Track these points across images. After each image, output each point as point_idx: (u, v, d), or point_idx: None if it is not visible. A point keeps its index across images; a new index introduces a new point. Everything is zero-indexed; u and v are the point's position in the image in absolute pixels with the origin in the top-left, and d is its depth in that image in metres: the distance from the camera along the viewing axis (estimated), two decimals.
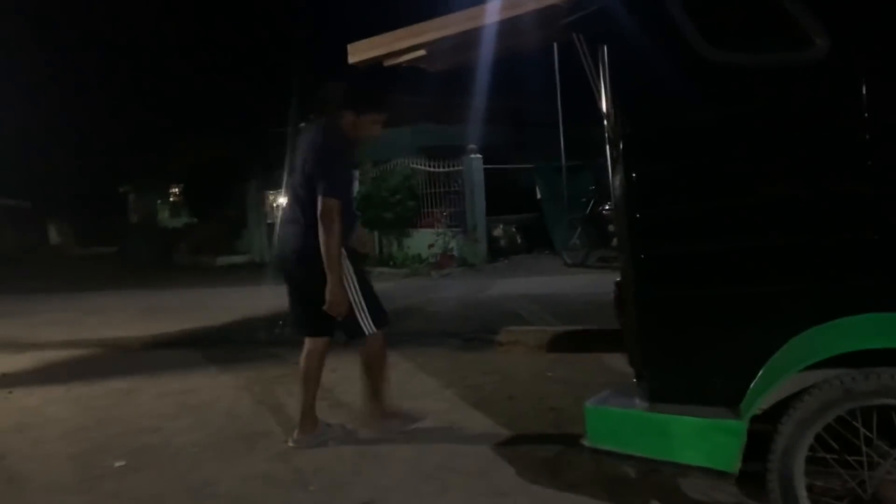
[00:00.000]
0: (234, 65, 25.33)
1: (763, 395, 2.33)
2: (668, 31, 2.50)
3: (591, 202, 12.06)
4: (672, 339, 2.65)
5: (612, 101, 2.75)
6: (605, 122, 2.82)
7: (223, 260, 18.33)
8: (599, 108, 2.87)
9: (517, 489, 3.17)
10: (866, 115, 2.22)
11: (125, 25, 27.06)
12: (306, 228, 3.71)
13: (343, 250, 3.74)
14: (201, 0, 27.56)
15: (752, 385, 2.38)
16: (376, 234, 13.88)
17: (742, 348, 2.45)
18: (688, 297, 2.59)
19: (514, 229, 14.59)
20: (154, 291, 12.79)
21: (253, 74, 24.27)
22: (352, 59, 3.67)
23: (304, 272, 3.77)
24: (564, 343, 5.80)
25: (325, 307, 3.68)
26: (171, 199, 29.33)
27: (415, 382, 5.08)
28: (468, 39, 3.33)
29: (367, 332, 3.82)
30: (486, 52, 3.48)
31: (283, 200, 18.40)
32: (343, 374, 5.08)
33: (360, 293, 3.79)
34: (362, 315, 3.79)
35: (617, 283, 2.99)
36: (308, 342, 3.94)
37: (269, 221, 18.74)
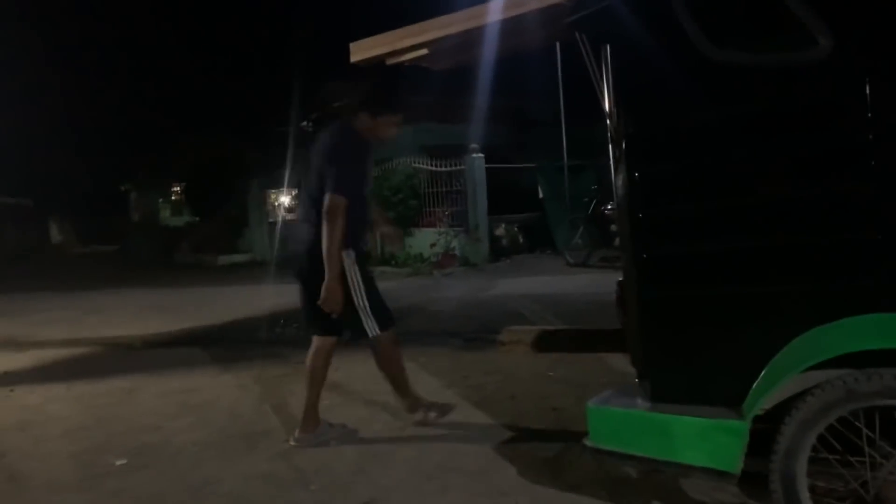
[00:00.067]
0: (236, 63, 25.34)
1: (765, 395, 2.33)
2: (671, 30, 2.49)
3: (594, 202, 12.05)
4: (674, 339, 2.64)
5: (615, 100, 2.75)
6: (608, 122, 2.82)
7: (224, 259, 18.31)
8: (602, 108, 2.86)
9: (518, 489, 3.17)
10: (869, 114, 2.21)
11: (127, 24, 27.08)
12: (318, 228, 3.73)
13: (353, 252, 3.78)
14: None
15: (754, 385, 2.38)
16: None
17: (744, 348, 2.45)
18: (690, 297, 2.58)
19: (516, 229, 14.58)
20: (155, 290, 12.79)
21: (255, 73, 24.28)
22: (354, 58, 3.67)
23: (314, 271, 3.77)
24: (566, 343, 5.79)
25: (318, 302, 3.71)
26: (173, 197, 29.34)
27: (417, 382, 5.04)
28: (471, 38, 3.33)
29: (370, 334, 3.83)
30: (489, 51, 3.48)
31: (283, 199, 18.44)
32: (346, 373, 5.08)
33: (365, 296, 3.81)
34: (367, 318, 3.82)
35: (619, 283, 2.98)
36: (316, 340, 3.95)
37: (270, 220, 18.74)
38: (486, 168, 13.72)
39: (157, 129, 25.62)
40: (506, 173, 14.73)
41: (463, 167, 13.58)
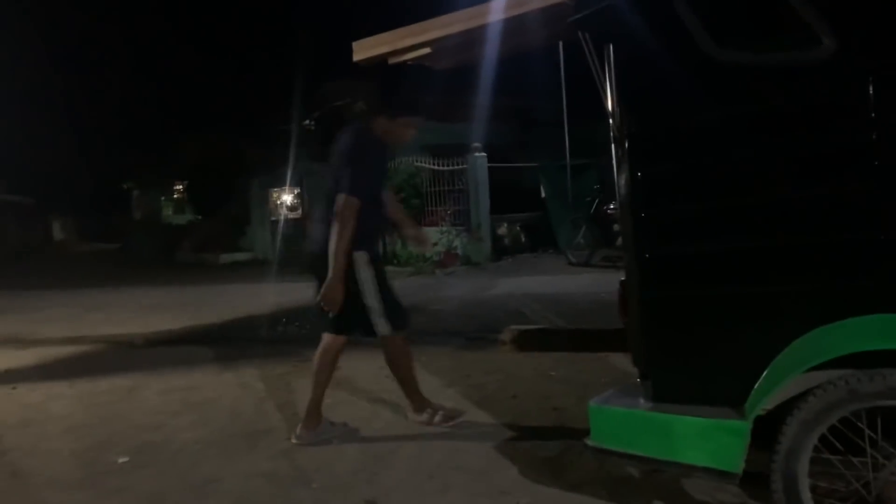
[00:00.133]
0: (238, 62, 25.34)
1: (767, 395, 2.32)
2: (674, 29, 2.49)
3: (596, 201, 12.05)
4: (676, 338, 2.64)
5: (618, 99, 2.74)
6: (611, 121, 2.81)
7: (227, 257, 18.35)
8: (605, 107, 2.86)
9: (520, 488, 3.17)
10: (873, 114, 2.21)
11: (130, 23, 27.09)
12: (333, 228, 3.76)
13: (366, 253, 3.82)
14: None
15: (756, 385, 2.37)
16: None
17: (746, 348, 2.44)
18: (692, 297, 2.58)
19: (518, 228, 14.58)
20: (157, 288, 12.81)
21: (257, 72, 24.29)
22: (356, 57, 3.67)
23: (327, 270, 3.79)
24: (568, 342, 5.79)
25: (317, 298, 3.75)
26: (175, 196, 29.37)
27: (418, 381, 5.06)
28: (473, 37, 3.32)
29: (380, 334, 3.87)
30: (491, 50, 3.47)
31: (285, 198, 18.44)
32: (348, 371, 5.08)
33: (376, 297, 3.84)
34: (378, 318, 3.85)
35: (622, 283, 2.98)
36: (325, 338, 3.97)
37: (272, 219, 18.75)
38: (489, 167, 13.73)
39: (160, 127, 25.65)
40: (508, 172, 14.73)
41: (465, 166, 13.59)
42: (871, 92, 2.20)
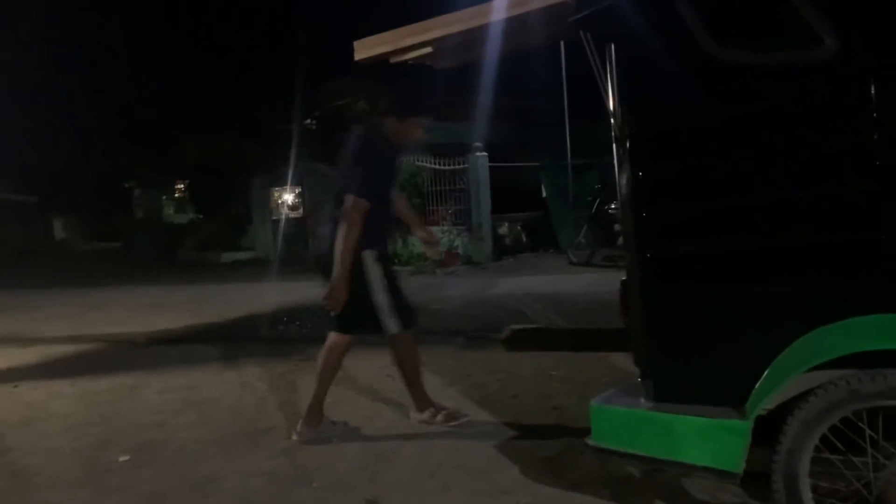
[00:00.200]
0: (239, 61, 25.35)
1: (768, 395, 2.32)
2: (675, 29, 2.49)
3: (597, 201, 12.06)
4: (677, 338, 2.64)
5: (619, 99, 2.74)
6: (612, 121, 2.81)
7: (228, 256, 18.36)
8: (606, 107, 2.86)
9: (520, 487, 3.17)
10: (875, 114, 2.21)
11: (132, 22, 27.10)
12: None
13: (374, 251, 3.85)
14: None
15: (757, 385, 2.37)
16: None
17: (748, 348, 2.44)
18: (694, 297, 2.58)
19: (519, 228, 14.58)
20: (158, 287, 12.82)
21: (258, 71, 24.30)
22: (358, 56, 3.67)
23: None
24: (569, 342, 5.78)
25: (322, 297, 3.78)
26: (176, 195, 29.40)
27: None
28: (475, 37, 3.32)
29: (389, 332, 3.90)
30: (493, 49, 3.47)
31: (287, 197, 18.44)
32: (349, 371, 5.08)
33: (385, 295, 3.86)
34: (386, 316, 3.87)
35: (623, 283, 2.98)
36: (331, 337, 3.98)
37: (273, 218, 18.77)
38: (490, 167, 13.73)
39: (161, 126, 25.66)
40: (509, 172, 14.74)
41: (466, 166, 13.59)
42: (872, 92, 2.20)
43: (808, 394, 2.25)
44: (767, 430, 2.34)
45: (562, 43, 9.60)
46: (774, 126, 2.43)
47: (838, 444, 2.23)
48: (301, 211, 18.10)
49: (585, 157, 13.85)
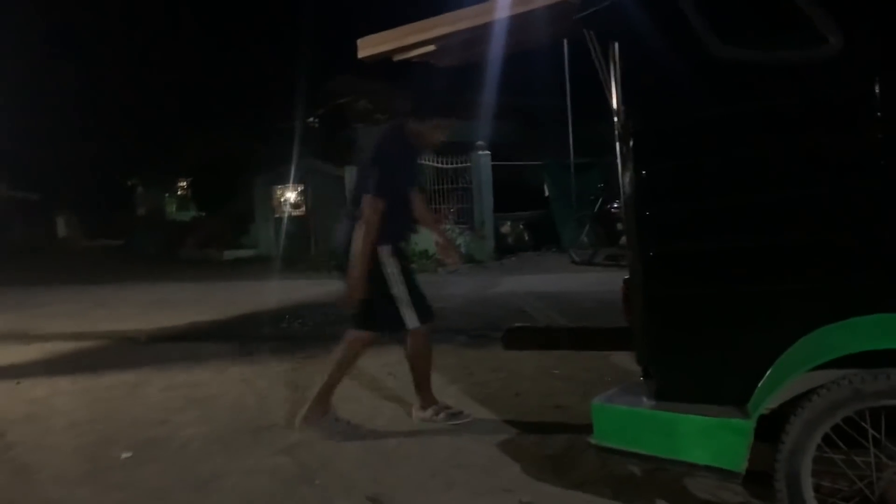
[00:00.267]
0: (242, 59, 25.34)
1: (771, 394, 2.32)
2: (679, 27, 2.49)
3: (600, 200, 12.07)
4: (680, 337, 2.63)
5: (623, 97, 2.74)
6: (616, 119, 2.81)
7: (230, 254, 18.37)
8: (609, 105, 2.85)
9: (522, 486, 3.17)
10: (879, 113, 2.20)
11: (134, 20, 27.10)
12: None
13: (389, 246, 3.88)
14: None
15: (760, 384, 2.37)
16: None
17: (750, 347, 2.44)
18: (697, 295, 2.58)
19: (521, 226, 14.60)
20: (161, 284, 12.83)
21: (261, 69, 24.28)
22: (361, 54, 3.67)
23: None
24: (571, 341, 5.78)
25: (340, 296, 3.86)
26: (179, 192, 29.43)
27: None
28: (478, 35, 3.32)
29: (408, 326, 3.93)
30: (496, 47, 3.47)
31: (289, 195, 18.45)
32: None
33: (403, 287, 3.90)
34: (406, 309, 3.91)
35: (625, 281, 2.98)
36: (350, 333, 4.02)
37: (276, 216, 18.79)
38: (492, 165, 13.73)
39: (164, 124, 25.65)
40: (512, 171, 14.75)
41: (469, 164, 13.59)
42: (876, 90, 2.20)
43: (811, 393, 2.24)
44: (770, 429, 2.34)
45: (565, 41, 9.61)
46: (778, 125, 2.43)
47: (841, 444, 2.22)
48: (303, 209, 18.11)
49: (588, 156, 13.84)
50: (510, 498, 3.06)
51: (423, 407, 4.12)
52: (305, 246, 16.55)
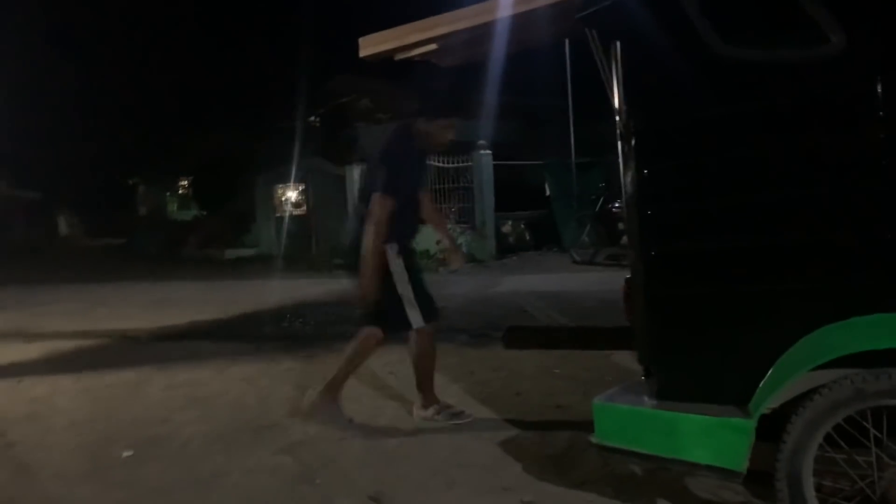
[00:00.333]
0: (244, 58, 25.35)
1: (772, 393, 2.32)
2: (681, 26, 2.48)
3: (601, 200, 12.06)
4: (681, 336, 2.63)
5: (625, 97, 2.74)
6: (617, 119, 2.81)
7: (232, 253, 18.38)
8: (611, 104, 2.85)
9: (523, 485, 3.17)
10: (881, 112, 2.20)
11: (136, 19, 27.12)
12: (363, 224, 3.87)
13: (395, 245, 3.90)
14: None
15: (761, 384, 2.37)
16: None
17: (752, 346, 2.44)
18: (698, 295, 2.58)
19: (522, 226, 14.60)
20: (162, 283, 12.84)
21: (262, 68, 24.29)
22: (363, 53, 3.67)
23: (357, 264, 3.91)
24: (572, 340, 5.79)
25: (353, 293, 3.93)
26: (180, 192, 29.43)
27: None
28: (480, 34, 3.32)
29: (413, 326, 3.93)
30: (498, 47, 3.47)
31: (290, 194, 18.46)
32: None
33: (409, 286, 3.92)
34: (411, 308, 3.92)
35: (627, 280, 2.98)
36: (365, 329, 4.05)
37: (277, 215, 18.80)
38: (494, 165, 13.72)
39: (165, 123, 25.67)
40: (513, 170, 14.74)
41: (470, 163, 13.59)
42: (879, 90, 2.19)
43: (813, 393, 2.24)
44: (771, 428, 2.33)
45: (566, 41, 9.60)
46: (780, 124, 2.43)
47: (842, 444, 2.22)
48: (304, 208, 18.13)
49: (589, 155, 13.84)
50: (511, 497, 3.06)
51: (425, 406, 4.12)
52: (306, 245, 16.57)
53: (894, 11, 2.22)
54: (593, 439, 2.79)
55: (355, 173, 14.95)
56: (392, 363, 5.14)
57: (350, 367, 4.06)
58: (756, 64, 2.44)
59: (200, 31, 26.45)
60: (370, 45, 3.63)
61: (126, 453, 3.87)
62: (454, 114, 4.09)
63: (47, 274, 15.28)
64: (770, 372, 2.35)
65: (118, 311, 9.48)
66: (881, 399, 2.14)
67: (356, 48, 3.68)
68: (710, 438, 2.47)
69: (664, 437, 2.58)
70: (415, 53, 3.63)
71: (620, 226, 10.70)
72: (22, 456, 3.94)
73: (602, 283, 8.79)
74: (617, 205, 11.20)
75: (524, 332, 6.23)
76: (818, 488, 2.29)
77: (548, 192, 14.55)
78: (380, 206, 3.78)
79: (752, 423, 2.34)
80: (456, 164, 13.71)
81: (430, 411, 4.09)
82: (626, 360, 4.19)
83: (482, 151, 13.50)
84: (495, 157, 13.78)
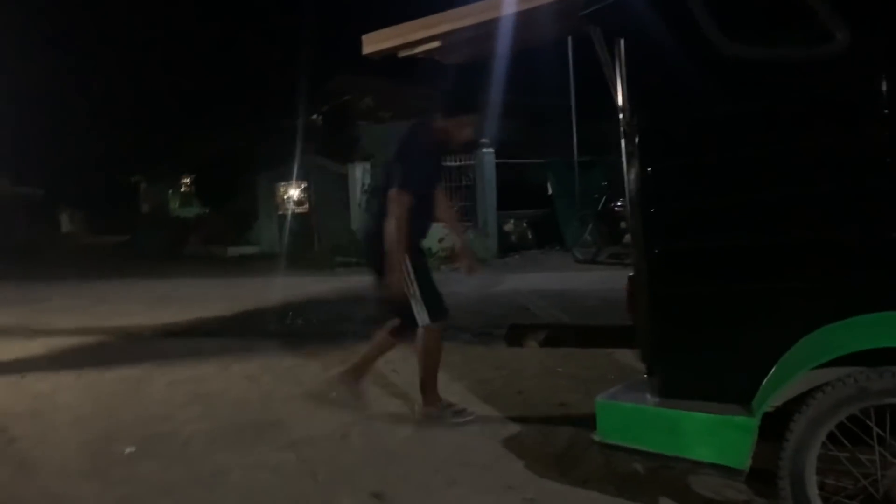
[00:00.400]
0: (246, 56, 25.35)
1: (775, 392, 2.32)
2: (685, 24, 2.48)
3: (604, 198, 12.04)
4: (684, 334, 2.63)
5: (629, 94, 2.73)
6: (621, 117, 2.80)
7: (234, 250, 18.38)
8: (615, 103, 2.85)
9: (526, 483, 3.17)
10: (886, 111, 2.20)
11: (138, 18, 27.12)
12: (378, 220, 3.92)
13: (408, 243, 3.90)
14: None
15: (764, 382, 2.37)
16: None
17: (755, 345, 2.44)
18: (701, 293, 2.58)
19: (524, 225, 14.59)
20: (165, 281, 12.85)
21: (265, 66, 24.29)
22: (366, 50, 3.67)
23: (374, 258, 3.98)
24: (574, 338, 5.77)
25: (381, 289, 3.96)
26: (183, 189, 29.42)
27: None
28: (484, 31, 3.32)
29: (420, 323, 3.95)
30: (502, 44, 3.47)
31: (293, 192, 18.44)
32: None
33: (416, 285, 3.92)
34: (418, 306, 3.94)
35: (630, 278, 2.97)
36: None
37: (279, 213, 18.80)
38: (496, 163, 13.71)
39: (168, 121, 25.67)
40: (515, 169, 14.73)
41: (472, 162, 13.58)
42: (883, 88, 2.19)
43: (816, 391, 2.24)
44: (774, 427, 2.33)
45: (570, 39, 9.59)
46: (784, 122, 2.43)
47: (845, 442, 2.22)
48: (306, 206, 18.13)
49: (592, 154, 13.83)
50: (513, 495, 3.06)
51: (427, 404, 4.12)
52: (309, 243, 16.56)
53: None
54: (596, 437, 2.79)
55: (357, 172, 14.95)
56: (394, 361, 5.13)
57: (372, 354, 4.22)
58: (760, 62, 2.43)
59: (203, 29, 26.44)
60: (373, 43, 3.63)
61: (128, 450, 3.87)
62: (474, 111, 4.10)
63: (49, 271, 15.29)
64: (773, 370, 2.35)
65: (120, 307, 9.49)
66: (884, 397, 2.14)
67: (359, 46, 3.68)
68: (712, 436, 2.47)
69: (667, 435, 2.59)
70: (418, 51, 3.63)
71: (622, 225, 10.70)
72: (24, 452, 3.94)
73: (604, 281, 8.79)
74: (619, 204, 11.18)
75: (526, 330, 6.21)
76: (821, 486, 2.29)
77: (550, 191, 14.52)
78: (397, 202, 3.79)
79: (755, 422, 2.34)
80: (458, 163, 13.70)
81: (433, 409, 4.09)
82: (629, 358, 4.18)
83: (484, 150, 13.49)
84: (498, 155, 13.76)
